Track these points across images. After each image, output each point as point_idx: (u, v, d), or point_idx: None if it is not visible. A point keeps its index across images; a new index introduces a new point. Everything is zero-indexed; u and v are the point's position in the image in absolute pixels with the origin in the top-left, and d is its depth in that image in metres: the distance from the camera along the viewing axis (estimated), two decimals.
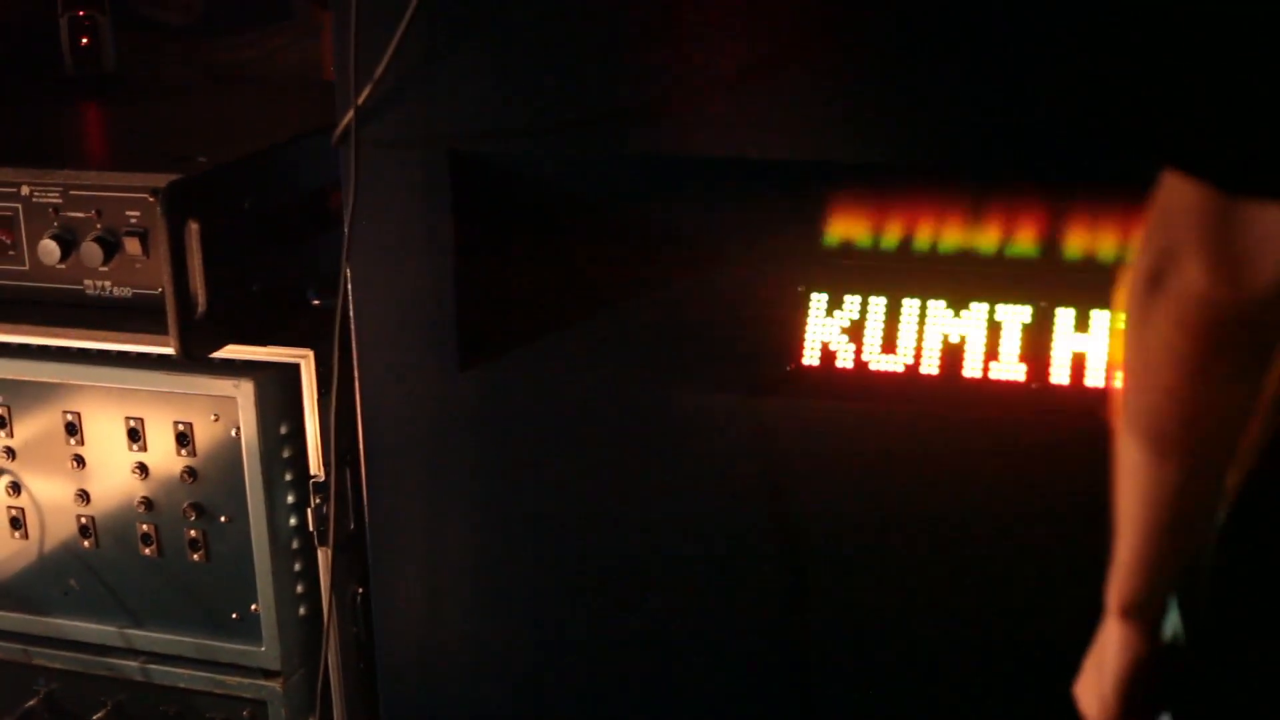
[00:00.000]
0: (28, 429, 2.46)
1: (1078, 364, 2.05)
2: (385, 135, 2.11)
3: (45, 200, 2.30)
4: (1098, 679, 1.52)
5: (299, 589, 2.46)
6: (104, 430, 2.41)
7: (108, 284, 2.31)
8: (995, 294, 2.10)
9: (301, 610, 2.48)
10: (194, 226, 2.15)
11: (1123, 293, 1.31)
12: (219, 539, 2.41)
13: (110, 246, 2.27)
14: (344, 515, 2.36)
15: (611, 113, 2.04)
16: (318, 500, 2.36)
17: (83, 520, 2.47)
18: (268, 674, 2.48)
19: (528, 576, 2.29)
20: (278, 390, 2.34)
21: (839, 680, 2.21)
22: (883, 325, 2.12)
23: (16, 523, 2.50)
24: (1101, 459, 1.42)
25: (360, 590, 2.44)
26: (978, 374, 2.09)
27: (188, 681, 2.51)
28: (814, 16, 1.96)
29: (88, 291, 2.33)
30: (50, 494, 2.48)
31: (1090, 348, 2.04)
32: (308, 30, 3.44)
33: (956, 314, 2.10)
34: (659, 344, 2.25)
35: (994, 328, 2.09)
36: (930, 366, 2.11)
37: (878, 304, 2.13)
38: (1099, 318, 2.04)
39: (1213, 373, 1.26)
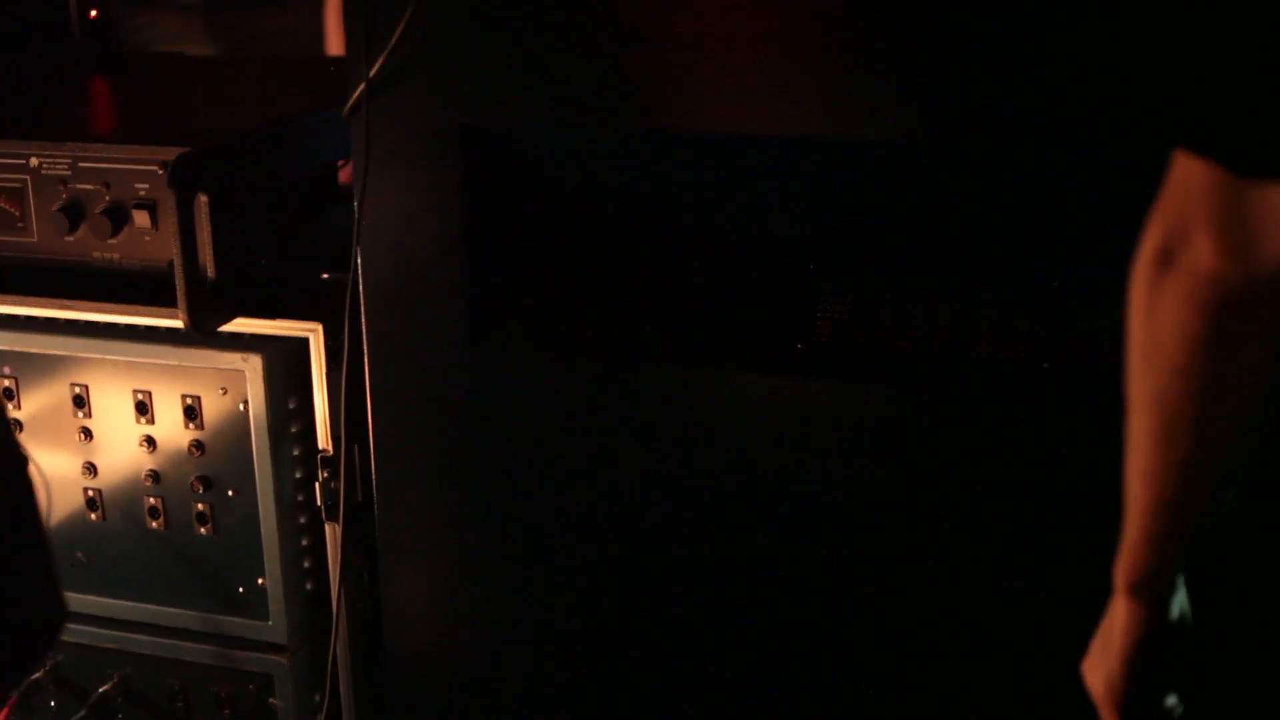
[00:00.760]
0: (35, 401, 2.46)
1: (1090, 342, 2.05)
2: (396, 109, 2.11)
3: (54, 172, 2.29)
4: (1105, 657, 1.52)
5: (306, 564, 2.46)
6: (111, 403, 2.41)
7: (116, 256, 2.31)
8: (1006, 272, 2.10)
9: (308, 585, 2.48)
10: (203, 199, 2.15)
11: (1134, 271, 1.31)
12: (226, 513, 2.41)
13: (119, 219, 2.27)
14: (352, 490, 2.36)
15: (624, 88, 2.04)
16: (325, 475, 2.36)
17: (90, 493, 2.47)
18: (274, 648, 2.48)
19: (536, 552, 2.29)
20: (286, 364, 2.34)
21: (854, 657, 2.21)
22: (894, 303, 2.12)
23: None
24: (1112, 437, 1.42)
25: (367, 565, 2.44)
26: (989, 352, 2.09)
27: (194, 655, 2.51)
28: None
29: (96, 264, 2.33)
30: (57, 466, 2.48)
31: (1102, 326, 2.04)
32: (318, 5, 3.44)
33: (969, 292, 2.10)
34: (669, 321, 2.25)
35: (1006, 306, 2.08)
36: (942, 345, 2.10)
37: (889, 282, 2.12)
38: (1111, 295, 2.04)
39: (1222, 351, 1.26)
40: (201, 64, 3.18)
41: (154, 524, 2.45)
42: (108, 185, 2.27)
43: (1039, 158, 2.04)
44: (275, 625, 2.45)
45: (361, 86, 2.09)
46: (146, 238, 2.28)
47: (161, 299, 2.24)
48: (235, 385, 2.32)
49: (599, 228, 2.29)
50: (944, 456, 2.08)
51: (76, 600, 2.54)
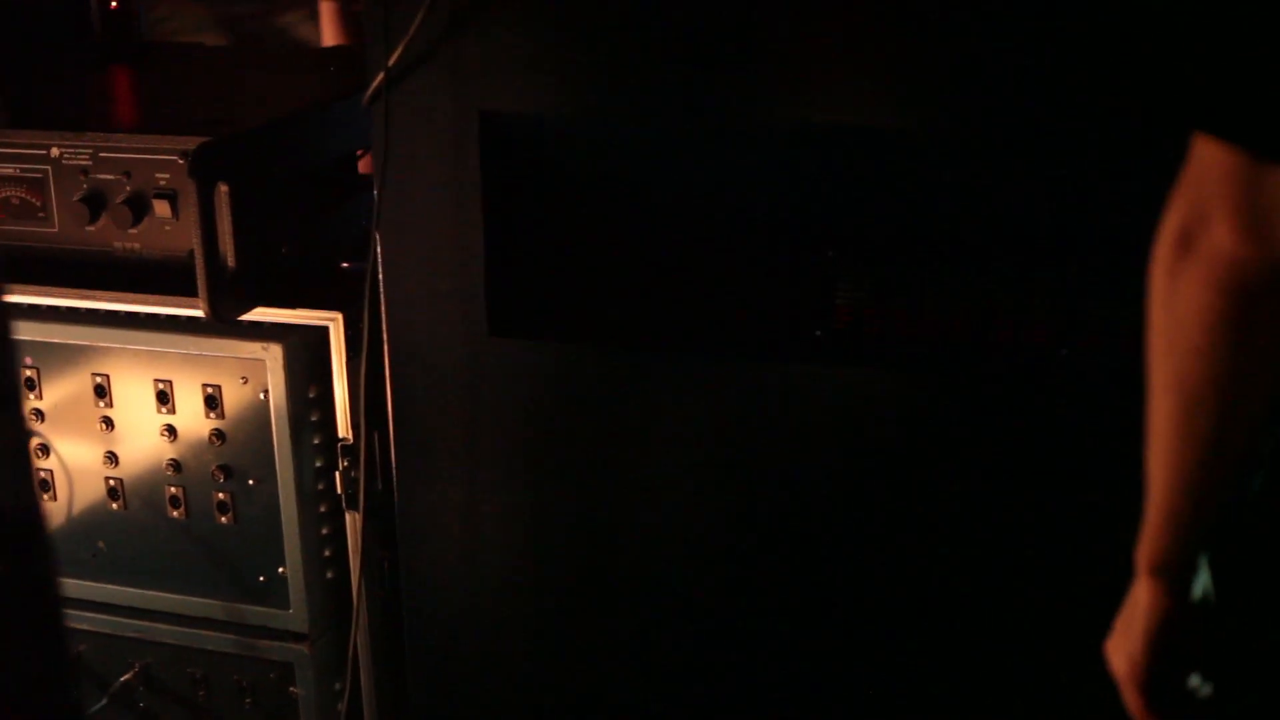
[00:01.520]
0: (57, 391, 2.47)
1: (1108, 327, 2.05)
2: (416, 97, 2.11)
3: (75, 162, 2.30)
4: (1128, 638, 1.52)
5: (326, 553, 2.47)
6: (132, 392, 2.42)
7: (137, 246, 2.31)
8: (1024, 258, 2.09)
9: (329, 574, 2.49)
10: (223, 189, 2.16)
11: (1153, 255, 1.32)
12: (247, 502, 2.42)
13: (139, 209, 2.28)
14: (372, 479, 2.36)
15: (642, 75, 2.04)
16: (345, 464, 2.37)
17: (111, 482, 2.48)
18: (295, 637, 2.48)
19: (556, 541, 2.29)
20: (306, 353, 2.35)
21: (872, 647, 2.22)
22: (912, 290, 2.12)
23: (45, 485, 2.51)
24: (1131, 422, 1.42)
25: (388, 554, 2.45)
26: (1007, 339, 2.09)
27: (215, 644, 2.52)
28: None
29: (117, 254, 2.33)
30: (79, 456, 2.49)
31: (1120, 312, 2.04)
32: None
33: (987, 279, 2.10)
34: (687, 309, 2.25)
35: (1023, 292, 2.08)
36: (959, 331, 2.10)
37: (907, 269, 2.12)
38: (1129, 281, 2.04)
39: (1242, 333, 1.27)
40: (222, 54, 3.18)
41: (175, 513, 2.46)
42: (128, 175, 2.28)
43: (1058, 144, 2.04)
44: (296, 614, 2.46)
45: (381, 75, 2.10)
46: (167, 227, 2.29)
47: (182, 288, 2.25)
48: (256, 374, 2.33)
49: (618, 215, 2.29)
50: (963, 443, 2.08)
51: (97, 589, 2.55)
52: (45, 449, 2.50)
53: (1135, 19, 1.81)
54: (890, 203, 2.16)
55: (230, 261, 2.19)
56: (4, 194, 2.34)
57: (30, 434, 2.47)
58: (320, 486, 2.42)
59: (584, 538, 2.28)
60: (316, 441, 2.40)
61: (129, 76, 2.91)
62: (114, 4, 2.96)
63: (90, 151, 2.29)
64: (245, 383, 2.34)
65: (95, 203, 2.29)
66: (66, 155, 2.30)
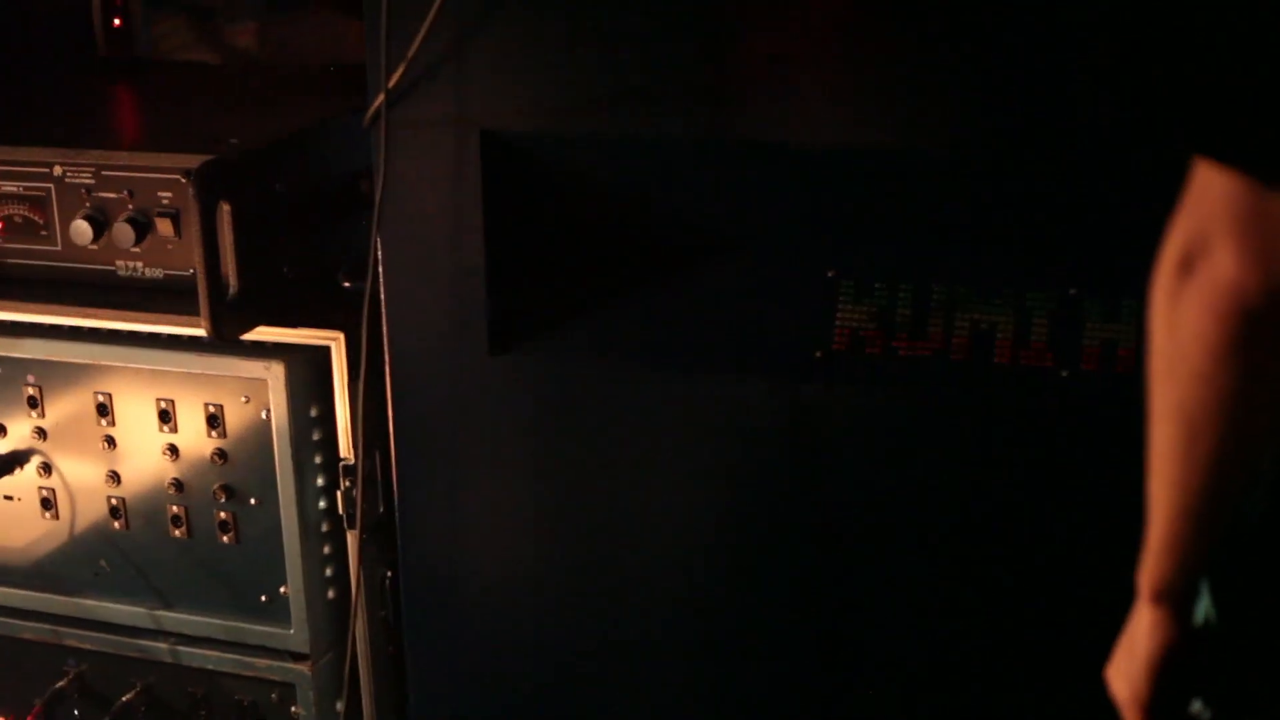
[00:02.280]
0: (59, 410, 2.47)
1: (1108, 350, 2.04)
2: (416, 116, 2.11)
3: (77, 180, 2.30)
4: (1129, 663, 1.52)
5: (328, 572, 2.47)
6: (135, 411, 2.42)
7: (139, 265, 2.31)
8: (1025, 280, 2.09)
9: (330, 593, 2.48)
10: (226, 208, 2.16)
11: (1155, 279, 1.31)
12: (249, 521, 2.42)
13: (142, 227, 2.28)
14: (373, 498, 2.37)
15: (642, 95, 2.04)
16: (347, 483, 2.37)
17: (113, 501, 2.48)
18: (296, 657, 2.48)
19: (555, 560, 2.29)
20: (308, 373, 2.35)
21: (874, 663, 2.21)
22: (912, 311, 2.12)
23: (47, 503, 2.51)
24: (1132, 445, 1.41)
25: (389, 573, 2.45)
26: (1007, 360, 2.08)
27: (216, 664, 2.52)
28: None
29: (119, 272, 2.34)
30: (81, 475, 2.49)
31: (1121, 334, 2.04)
32: (340, 12, 3.44)
33: (986, 300, 2.09)
34: (688, 329, 2.25)
35: (1024, 313, 2.08)
36: (960, 352, 2.10)
37: (907, 289, 2.12)
38: (1130, 304, 2.04)
39: (1243, 358, 1.26)
40: (225, 72, 3.18)
41: (177, 532, 2.45)
42: (131, 193, 2.28)
43: (1059, 165, 2.04)
44: (297, 634, 2.45)
45: (381, 96, 2.10)
46: (169, 246, 2.29)
47: (184, 307, 2.24)
48: (258, 394, 2.33)
49: (618, 234, 2.29)
50: (963, 465, 2.07)
51: (99, 609, 2.55)
52: (47, 467, 2.50)
53: (1137, 43, 1.80)
54: (890, 223, 2.15)
55: (232, 281, 2.19)
56: (6, 211, 2.34)
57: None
58: (322, 506, 2.42)
59: (584, 557, 2.27)
60: (318, 461, 2.40)
61: (132, 94, 2.92)
62: (117, 22, 2.96)
63: (93, 170, 2.29)
64: (247, 402, 2.34)
65: (98, 221, 2.29)
66: (69, 173, 2.31)
